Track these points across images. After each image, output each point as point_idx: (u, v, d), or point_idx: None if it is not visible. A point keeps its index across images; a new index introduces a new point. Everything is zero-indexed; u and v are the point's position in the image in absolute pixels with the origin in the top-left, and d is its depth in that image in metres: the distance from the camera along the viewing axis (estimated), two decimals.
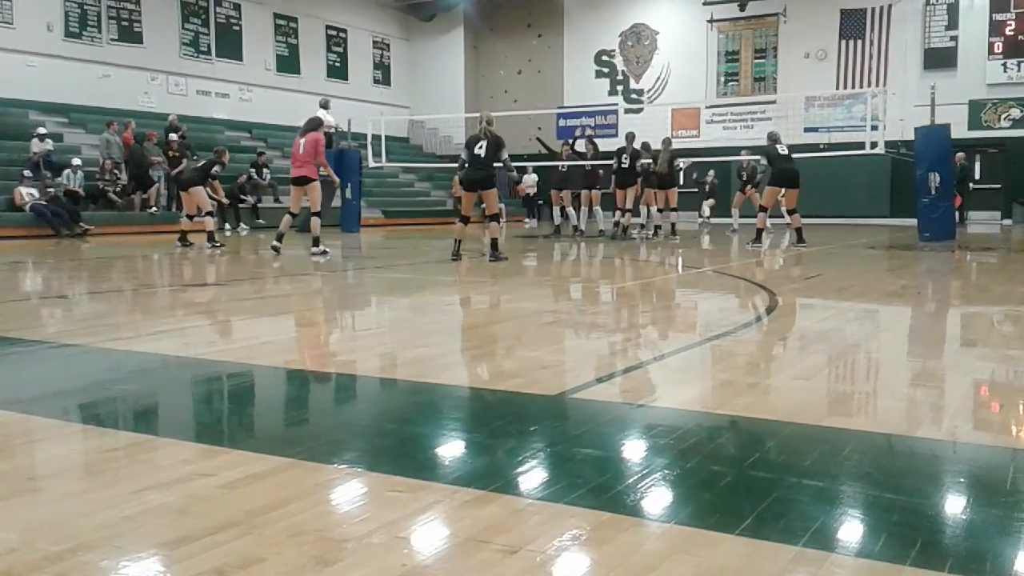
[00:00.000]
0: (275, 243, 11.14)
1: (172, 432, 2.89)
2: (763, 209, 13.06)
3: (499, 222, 10.71)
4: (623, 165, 14.59)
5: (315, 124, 11.41)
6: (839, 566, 1.75)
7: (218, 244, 12.55)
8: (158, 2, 21.62)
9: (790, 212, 12.93)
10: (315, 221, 11.15)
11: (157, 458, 2.52)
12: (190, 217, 13.02)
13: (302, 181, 11.19)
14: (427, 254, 12.12)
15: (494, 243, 10.18)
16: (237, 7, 23.65)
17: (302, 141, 11.15)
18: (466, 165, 10.20)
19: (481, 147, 9.98)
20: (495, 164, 10.15)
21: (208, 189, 14.06)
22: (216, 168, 13.31)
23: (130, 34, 21.06)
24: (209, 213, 13.01)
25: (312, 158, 11.14)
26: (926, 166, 13.33)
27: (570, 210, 16.66)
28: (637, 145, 14.84)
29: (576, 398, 3.30)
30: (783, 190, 12.84)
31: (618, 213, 14.89)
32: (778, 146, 12.64)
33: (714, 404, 3.21)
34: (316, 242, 10.95)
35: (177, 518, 2.00)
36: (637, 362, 4.25)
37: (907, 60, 22.65)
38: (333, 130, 20.01)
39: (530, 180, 23.73)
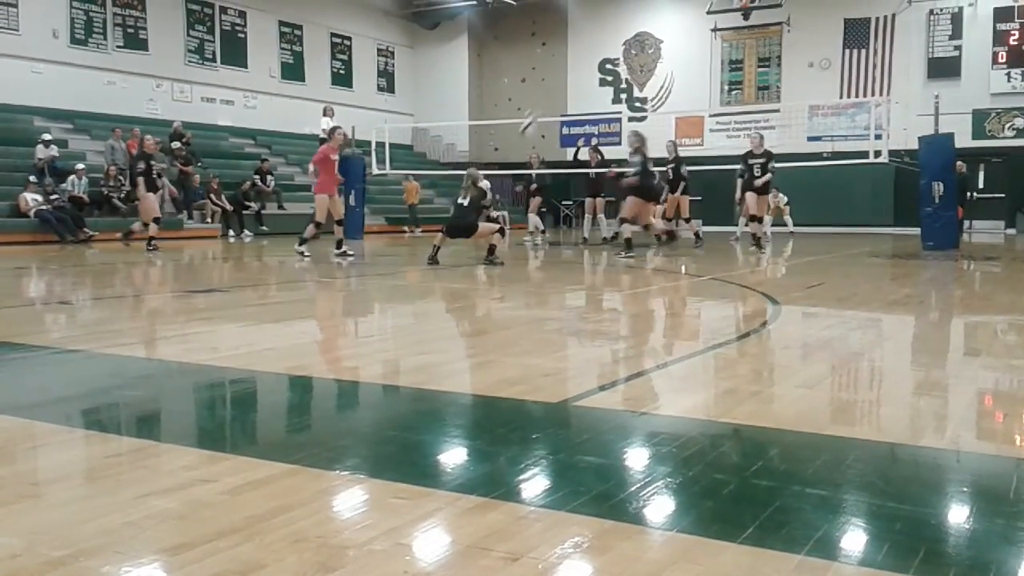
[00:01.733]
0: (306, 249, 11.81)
1: (174, 438, 2.88)
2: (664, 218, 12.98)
3: (503, 235, 10.99)
4: (684, 176, 14.65)
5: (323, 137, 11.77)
6: (842, 575, 1.74)
7: (153, 248, 12.98)
8: (163, 9, 21.70)
9: (646, 226, 12.66)
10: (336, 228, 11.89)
11: (159, 464, 2.52)
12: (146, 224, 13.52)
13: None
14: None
15: (491, 248, 10.58)
16: (242, 14, 23.74)
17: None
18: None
19: (466, 198, 10.66)
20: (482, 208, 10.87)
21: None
22: (153, 163, 13.67)
23: (135, 41, 21.14)
24: (156, 219, 13.53)
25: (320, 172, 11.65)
26: (930, 175, 13.33)
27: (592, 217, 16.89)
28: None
29: (578, 406, 3.29)
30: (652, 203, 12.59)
31: (683, 222, 15.10)
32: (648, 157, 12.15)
33: (717, 412, 3.20)
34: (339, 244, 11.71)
35: (179, 524, 2.00)
36: (639, 370, 4.25)
37: (911, 69, 22.66)
38: None
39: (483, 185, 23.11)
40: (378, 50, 28.11)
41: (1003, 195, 22.12)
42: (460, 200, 10.74)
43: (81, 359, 4.28)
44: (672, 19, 25.80)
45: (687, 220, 15.50)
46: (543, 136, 24.75)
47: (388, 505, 2.14)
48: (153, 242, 13.12)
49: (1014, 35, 21.71)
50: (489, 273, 9.66)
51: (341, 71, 26.72)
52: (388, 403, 3.60)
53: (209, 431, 3.11)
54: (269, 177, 20.59)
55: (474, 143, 28.26)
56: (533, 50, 28.02)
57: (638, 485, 2.32)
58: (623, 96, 26.76)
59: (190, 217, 18.79)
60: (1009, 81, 21.75)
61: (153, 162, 13.70)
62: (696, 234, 15.20)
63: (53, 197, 15.74)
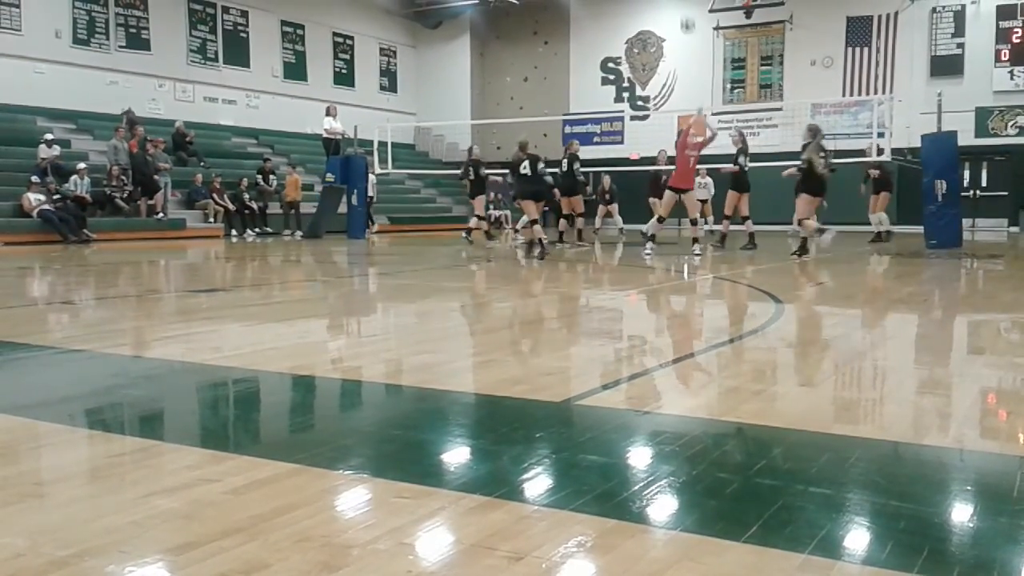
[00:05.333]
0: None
1: (178, 438, 2.89)
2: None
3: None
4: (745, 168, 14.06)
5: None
6: (846, 574, 1.74)
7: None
8: (166, 9, 21.71)
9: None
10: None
11: (163, 463, 2.52)
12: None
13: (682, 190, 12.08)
14: (433, 260, 12.12)
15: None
16: (244, 14, 23.74)
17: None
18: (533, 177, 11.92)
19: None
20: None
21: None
22: (481, 169, 15.43)
23: (138, 41, 21.15)
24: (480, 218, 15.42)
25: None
26: (932, 173, 13.31)
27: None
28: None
29: (581, 405, 3.29)
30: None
31: (727, 222, 14.38)
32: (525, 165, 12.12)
33: (720, 411, 3.20)
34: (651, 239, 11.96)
35: (183, 523, 2.00)
36: (643, 369, 4.24)
37: (913, 67, 22.63)
38: (339, 136, 20.08)
39: (371, 181, 20.06)
40: (380, 49, 28.10)
41: (1006, 193, 22.08)
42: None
43: (84, 359, 4.29)
44: (674, 17, 25.78)
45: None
46: (545, 135, 24.75)
47: (391, 504, 2.14)
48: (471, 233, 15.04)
49: (1017, 33, 21.66)
50: (497, 274, 9.62)
51: (343, 70, 26.72)
52: (391, 402, 3.60)
53: (213, 431, 3.11)
54: (272, 177, 20.59)
55: (476, 142, 28.21)
56: (535, 49, 28.00)
57: (641, 484, 2.32)
58: (625, 95, 26.73)
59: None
60: (1012, 79, 21.70)
61: (482, 169, 15.25)
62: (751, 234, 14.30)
63: (56, 197, 15.75)
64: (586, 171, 16.33)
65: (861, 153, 17.15)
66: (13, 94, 18.39)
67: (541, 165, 12.00)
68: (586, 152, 21.62)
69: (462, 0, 27.36)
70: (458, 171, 18.28)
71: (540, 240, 11.60)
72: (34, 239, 15.04)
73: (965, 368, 4.23)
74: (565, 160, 14.30)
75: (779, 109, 23.87)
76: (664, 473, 2.40)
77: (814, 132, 11.93)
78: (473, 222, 15.73)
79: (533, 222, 11.92)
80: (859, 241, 15.55)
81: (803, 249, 11.73)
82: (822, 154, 11.66)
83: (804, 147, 11.85)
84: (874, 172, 16.53)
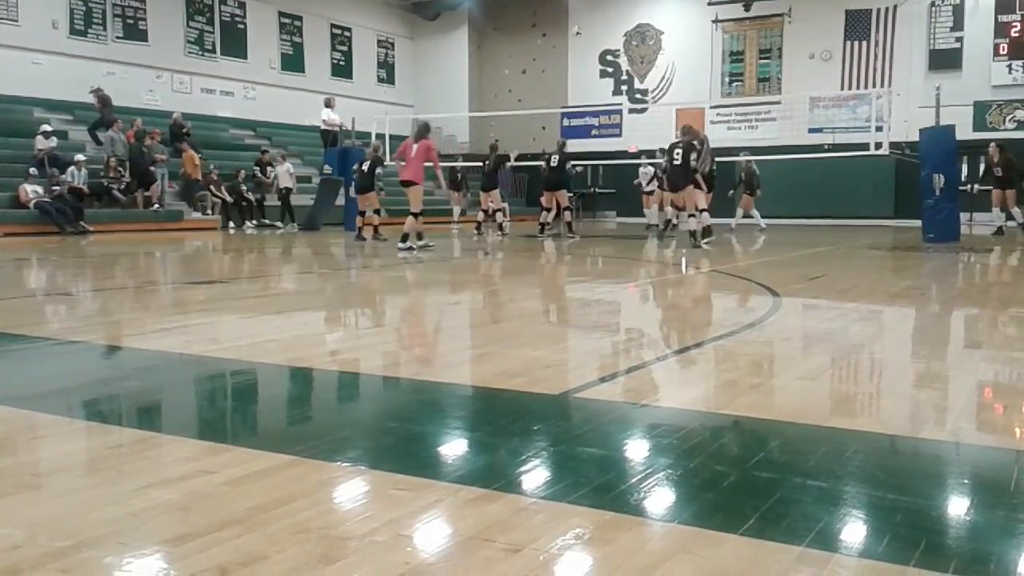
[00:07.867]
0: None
1: (176, 429, 2.89)
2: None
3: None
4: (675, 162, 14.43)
5: (424, 130, 12.39)
6: (842, 567, 1.75)
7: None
8: (163, 0, 21.62)
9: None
10: (410, 220, 12.13)
11: (161, 455, 2.53)
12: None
13: (407, 184, 12.27)
14: (430, 253, 12.11)
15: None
16: (242, 5, 23.66)
17: (415, 146, 12.06)
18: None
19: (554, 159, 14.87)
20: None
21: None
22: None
23: (135, 32, 21.07)
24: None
25: (422, 162, 12.12)
26: (931, 167, 13.32)
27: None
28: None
29: (579, 397, 3.30)
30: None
31: (671, 212, 15.28)
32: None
33: (717, 404, 3.20)
34: (404, 238, 11.86)
35: (180, 515, 2.00)
36: (640, 362, 4.25)
37: (912, 61, 22.60)
38: (337, 128, 20.04)
39: (283, 171, 19.61)
40: (378, 41, 28.02)
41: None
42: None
43: (81, 350, 4.28)
44: (673, 10, 25.73)
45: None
46: (544, 128, 24.71)
47: (389, 496, 2.15)
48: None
49: (1015, 27, 21.62)
50: (494, 266, 9.60)
51: (341, 62, 26.65)
52: (388, 394, 3.60)
53: (210, 422, 3.11)
54: (269, 168, 20.54)
55: (474, 134, 28.21)
56: (534, 41, 27.93)
57: (639, 477, 2.32)
58: (624, 88, 26.67)
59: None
60: (1010, 73, 21.68)
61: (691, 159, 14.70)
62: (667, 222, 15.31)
63: (55, 188, 15.71)
64: (583, 164, 16.79)
65: (860, 147, 17.13)
66: (10, 85, 18.31)
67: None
68: (584, 145, 21.83)
69: None
70: (455, 164, 18.91)
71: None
72: (31, 230, 15.00)
73: (962, 362, 4.24)
74: (556, 156, 15.43)
75: (777, 103, 23.84)
76: (661, 466, 2.40)
77: (703, 140, 13.63)
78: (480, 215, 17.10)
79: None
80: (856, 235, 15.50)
81: (695, 237, 12.92)
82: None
83: (698, 152, 13.16)
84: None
